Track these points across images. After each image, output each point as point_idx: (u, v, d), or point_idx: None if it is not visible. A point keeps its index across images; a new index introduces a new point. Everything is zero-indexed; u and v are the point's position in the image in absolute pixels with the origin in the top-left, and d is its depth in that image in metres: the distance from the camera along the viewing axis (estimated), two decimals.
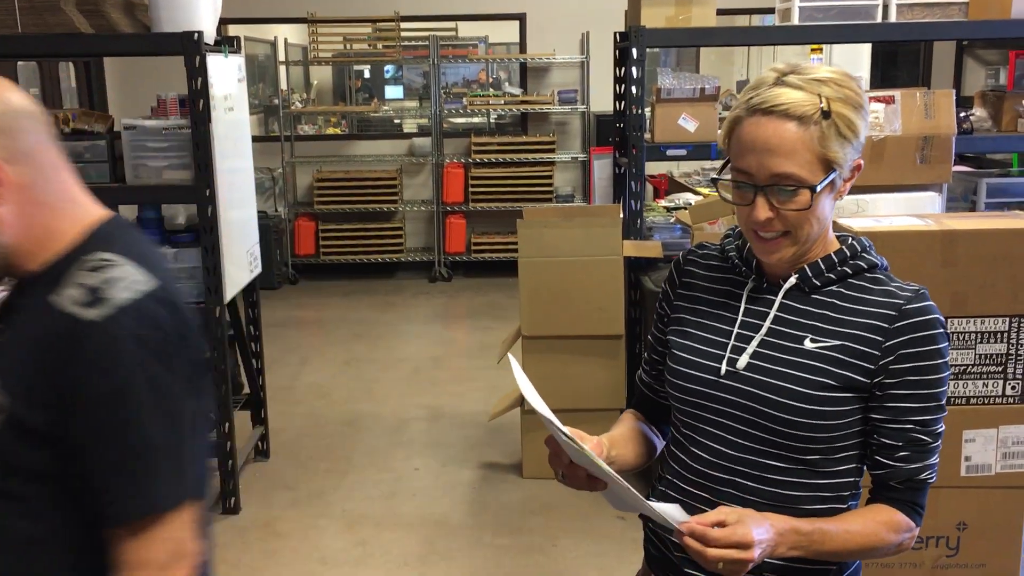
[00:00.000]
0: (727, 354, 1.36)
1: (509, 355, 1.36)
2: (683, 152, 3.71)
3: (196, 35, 3.23)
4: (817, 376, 1.30)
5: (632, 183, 3.63)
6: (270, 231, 6.90)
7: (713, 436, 1.36)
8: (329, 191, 7.36)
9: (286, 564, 3.24)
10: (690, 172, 6.90)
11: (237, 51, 3.78)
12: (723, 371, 1.35)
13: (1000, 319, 2.69)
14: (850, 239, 1.37)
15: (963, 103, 3.94)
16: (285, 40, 7.60)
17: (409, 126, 8.15)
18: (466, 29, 8.02)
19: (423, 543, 3.37)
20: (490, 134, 7.78)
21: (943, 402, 1.32)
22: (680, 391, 1.40)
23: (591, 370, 3.72)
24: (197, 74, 3.27)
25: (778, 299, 1.36)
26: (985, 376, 2.72)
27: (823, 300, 1.34)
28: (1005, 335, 2.70)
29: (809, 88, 1.24)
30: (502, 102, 7.57)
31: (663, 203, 5.25)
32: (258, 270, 3.95)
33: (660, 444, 1.54)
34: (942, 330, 1.30)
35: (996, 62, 6.79)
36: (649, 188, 6.13)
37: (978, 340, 2.70)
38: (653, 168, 6.29)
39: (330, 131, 8.25)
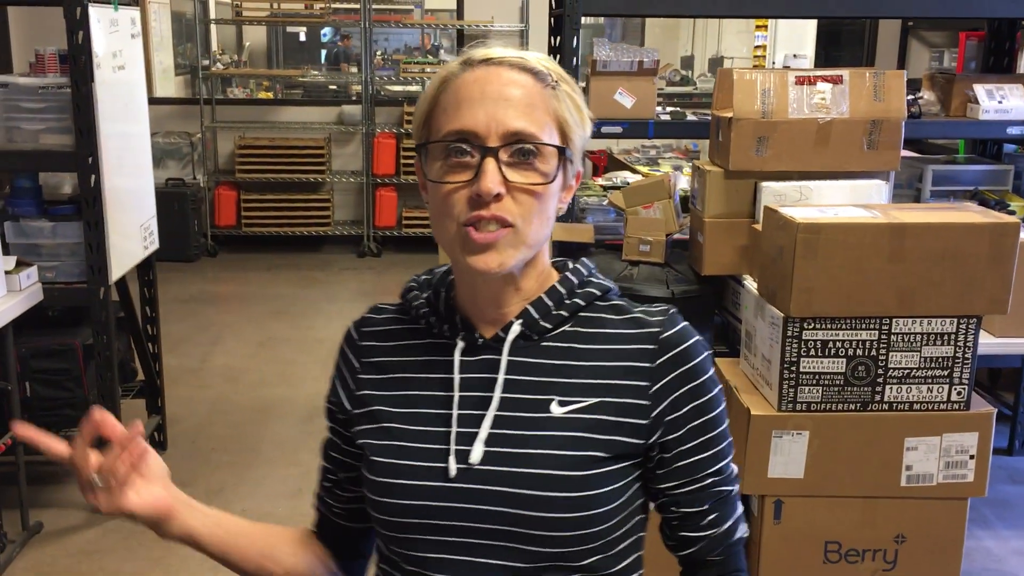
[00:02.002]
0: (453, 447, 0.99)
1: None
2: (618, 130, 3.45)
3: None
4: (579, 450, 0.97)
5: None
6: (187, 200, 6.52)
7: (455, 565, 0.99)
8: (252, 159, 6.97)
9: (174, 572, 2.95)
10: (630, 149, 6.67)
11: (133, 3, 3.42)
12: (453, 472, 0.98)
13: (947, 320, 2.50)
14: (569, 263, 1.08)
15: (909, 86, 3.76)
16: None
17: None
18: None
19: None
20: None
21: (729, 435, 1.05)
22: (393, 513, 1.00)
23: None
24: (77, 27, 2.93)
25: (504, 356, 1.00)
26: (930, 380, 2.53)
27: (559, 347, 1.01)
28: (952, 337, 2.51)
29: (533, 58, 1.00)
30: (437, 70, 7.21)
31: (600, 181, 5.00)
32: (154, 246, 3.61)
33: None
34: (707, 352, 1.03)
35: (941, 45, 6.68)
36: (588, 164, 5.91)
37: (924, 342, 2.51)
38: (592, 144, 6.03)
39: (261, 95, 7.82)
